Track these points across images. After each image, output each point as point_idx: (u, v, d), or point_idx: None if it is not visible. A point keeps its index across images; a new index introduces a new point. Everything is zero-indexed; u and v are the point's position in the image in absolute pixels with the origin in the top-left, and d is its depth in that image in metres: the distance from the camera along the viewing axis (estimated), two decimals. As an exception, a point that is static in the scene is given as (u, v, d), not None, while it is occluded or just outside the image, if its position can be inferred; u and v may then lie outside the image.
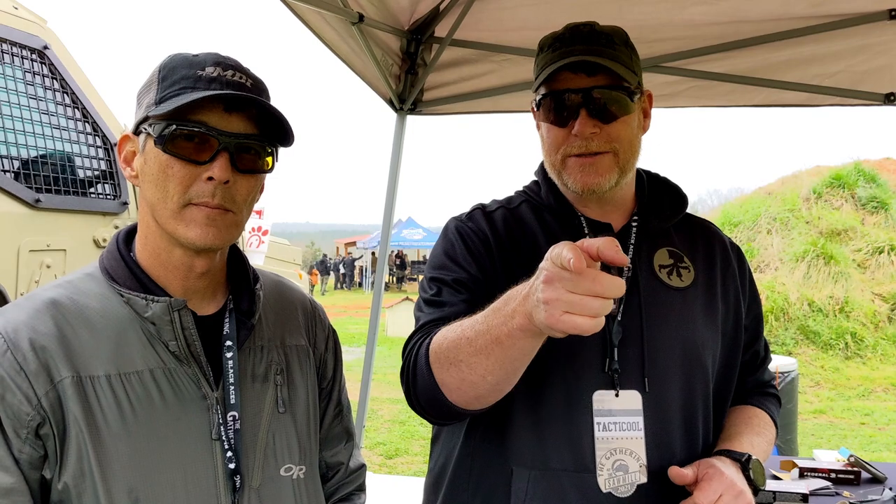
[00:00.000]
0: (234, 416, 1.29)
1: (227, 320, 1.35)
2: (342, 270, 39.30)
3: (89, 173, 3.40)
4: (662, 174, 1.80)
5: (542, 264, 1.18)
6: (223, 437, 1.27)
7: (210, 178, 1.23)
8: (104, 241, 3.42)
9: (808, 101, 3.37)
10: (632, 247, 1.64)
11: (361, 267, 38.89)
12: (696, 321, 1.63)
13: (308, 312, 1.54)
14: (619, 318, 1.57)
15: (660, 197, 1.74)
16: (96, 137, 3.44)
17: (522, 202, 1.73)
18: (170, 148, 1.22)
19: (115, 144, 3.55)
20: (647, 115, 1.67)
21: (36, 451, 1.15)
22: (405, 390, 1.57)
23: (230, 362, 1.31)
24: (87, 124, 3.38)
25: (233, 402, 1.29)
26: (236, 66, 1.28)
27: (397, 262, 35.75)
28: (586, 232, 1.64)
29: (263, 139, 1.29)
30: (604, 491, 1.52)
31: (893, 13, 2.83)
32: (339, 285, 38.96)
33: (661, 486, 1.45)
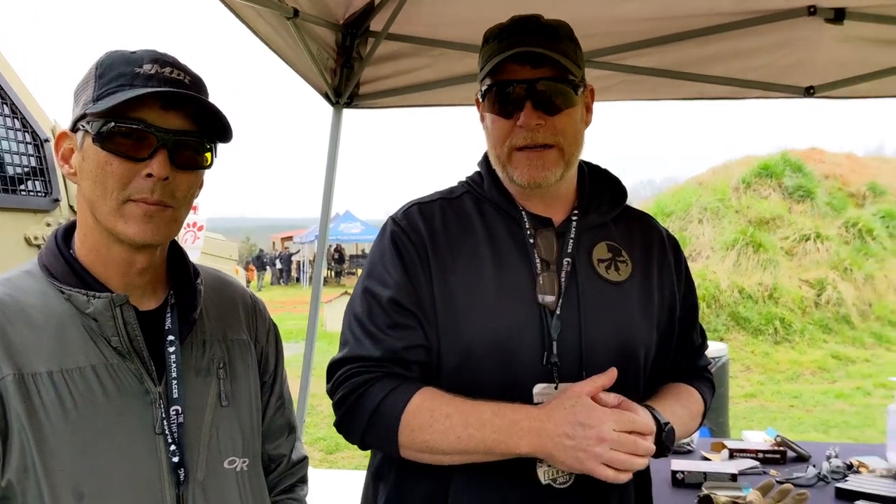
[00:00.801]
0: (176, 411, 1.29)
1: (168, 315, 1.35)
2: (279, 265, 38.82)
3: (19, 170, 3.31)
4: (603, 166, 1.83)
5: (584, 418, 1.44)
6: (167, 432, 1.27)
7: (149, 175, 1.24)
8: (35, 238, 3.34)
9: (733, 94, 3.48)
10: (571, 241, 1.66)
11: (298, 262, 38.48)
12: (632, 315, 1.66)
13: (249, 307, 1.55)
14: (558, 313, 1.59)
15: (600, 190, 1.77)
16: (26, 133, 3.35)
17: (464, 193, 1.75)
18: (108, 145, 1.22)
19: (46, 140, 3.47)
20: (589, 109, 1.70)
21: None
22: (344, 422, 1.62)
23: (172, 357, 1.31)
24: (16, 120, 3.29)
25: (175, 396, 1.30)
26: (174, 63, 1.28)
27: (335, 257, 35.48)
28: (527, 226, 1.66)
29: (202, 136, 1.29)
30: (543, 483, 1.56)
31: (812, 10, 2.94)
32: (275, 281, 38.49)
33: (596, 479, 1.48)
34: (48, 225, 3.48)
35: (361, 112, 3.86)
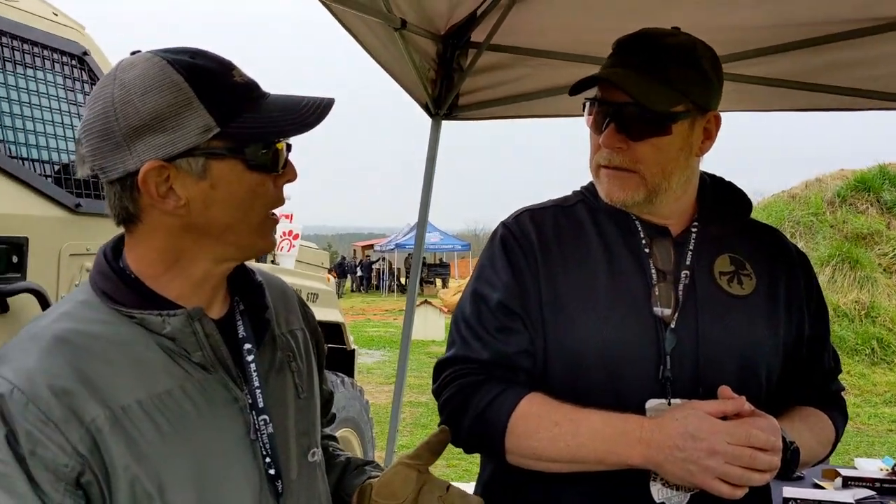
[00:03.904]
0: (264, 420, 1.26)
1: (240, 322, 1.31)
2: (360, 273, 39.43)
3: (127, 178, 3.37)
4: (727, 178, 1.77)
5: (695, 430, 1.38)
6: (259, 439, 1.25)
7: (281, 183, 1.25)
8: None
9: (850, 104, 3.31)
10: (690, 252, 1.62)
11: (379, 270, 38.99)
12: (755, 332, 1.60)
13: (297, 296, 1.53)
14: (672, 326, 1.55)
15: (723, 202, 1.71)
16: (134, 142, 3.43)
17: (578, 202, 1.72)
18: (264, 166, 1.21)
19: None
20: (709, 136, 1.63)
21: (76, 503, 1.08)
22: (449, 424, 1.59)
23: (252, 366, 1.28)
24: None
25: (261, 406, 1.26)
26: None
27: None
28: (642, 235, 1.62)
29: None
30: (657, 501, 1.51)
31: (943, 16, 2.78)
32: (355, 288, 39.10)
33: (714, 498, 1.42)
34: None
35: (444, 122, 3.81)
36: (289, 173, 1.26)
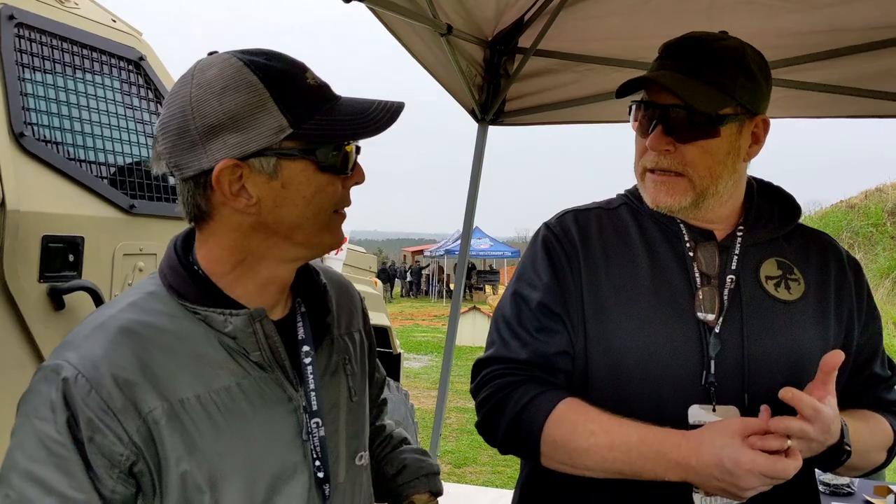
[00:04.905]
0: (317, 423, 1.27)
1: (300, 324, 1.32)
2: (409, 278, 39.54)
3: (179, 180, 3.43)
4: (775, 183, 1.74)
5: (732, 466, 1.34)
6: (311, 441, 1.26)
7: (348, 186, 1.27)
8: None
9: (909, 111, 3.24)
10: (736, 257, 1.59)
11: (428, 275, 39.08)
12: (804, 336, 1.56)
13: (359, 296, 1.54)
14: (717, 331, 1.52)
15: (769, 206, 1.68)
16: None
17: (622, 204, 1.71)
18: (334, 167, 1.22)
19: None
20: (757, 140, 1.60)
21: (128, 490, 1.11)
22: (485, 424, 1.62)
23: (309, 368, 1.29)
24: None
25: (315, 408, 1.27)
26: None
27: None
28: (686, 239, 1.61)
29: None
30: None
31: None
32: (405, 293, 39.24)
33: (763, 498, 1.39)
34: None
35: (492, 128, 3.83)
36: (357, 175, 1.27)
